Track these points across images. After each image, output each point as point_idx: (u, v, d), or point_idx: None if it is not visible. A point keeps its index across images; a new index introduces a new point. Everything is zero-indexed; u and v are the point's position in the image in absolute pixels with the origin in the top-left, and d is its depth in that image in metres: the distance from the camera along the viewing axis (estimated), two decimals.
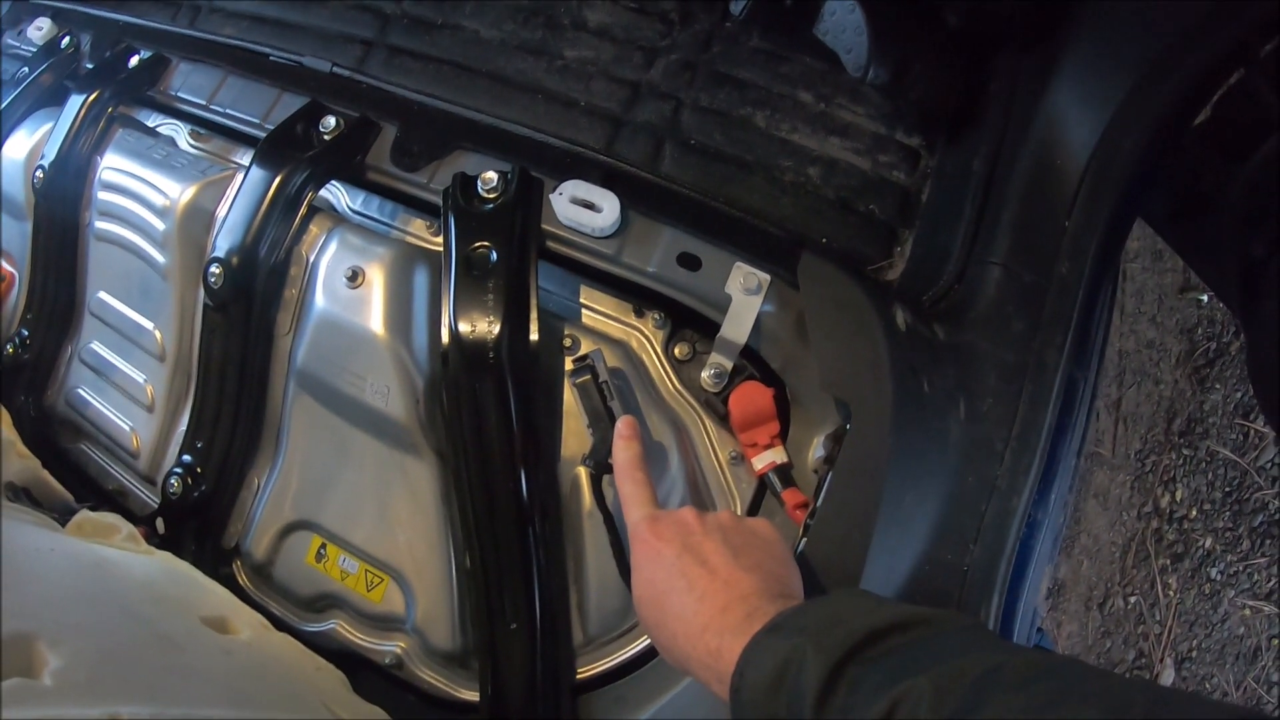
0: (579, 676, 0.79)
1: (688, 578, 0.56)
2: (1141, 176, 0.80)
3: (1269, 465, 1.54)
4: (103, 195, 1.00)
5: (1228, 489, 1.56)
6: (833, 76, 0.94)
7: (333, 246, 0.84)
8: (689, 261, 0.79)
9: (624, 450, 0.70)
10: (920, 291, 0.81)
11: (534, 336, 0.75)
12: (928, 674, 0.38)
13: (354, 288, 0.80)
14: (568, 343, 0.82)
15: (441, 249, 0.80)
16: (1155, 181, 0.87)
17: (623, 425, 0.72)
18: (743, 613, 0.51)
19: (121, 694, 0.50)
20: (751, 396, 0.76)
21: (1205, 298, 1.66)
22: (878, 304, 0.73)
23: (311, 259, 0.86)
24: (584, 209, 0.79)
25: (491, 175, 0.80)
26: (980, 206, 0.83)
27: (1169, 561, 1.57)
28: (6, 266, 1.11)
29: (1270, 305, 0.81)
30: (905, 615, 0.44)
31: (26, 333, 1.06)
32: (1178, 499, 1.60)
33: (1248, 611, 1.50)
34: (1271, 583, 1.49)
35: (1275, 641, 1.46)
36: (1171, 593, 1.56)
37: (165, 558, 0.78)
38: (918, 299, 0.80)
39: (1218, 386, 1.62)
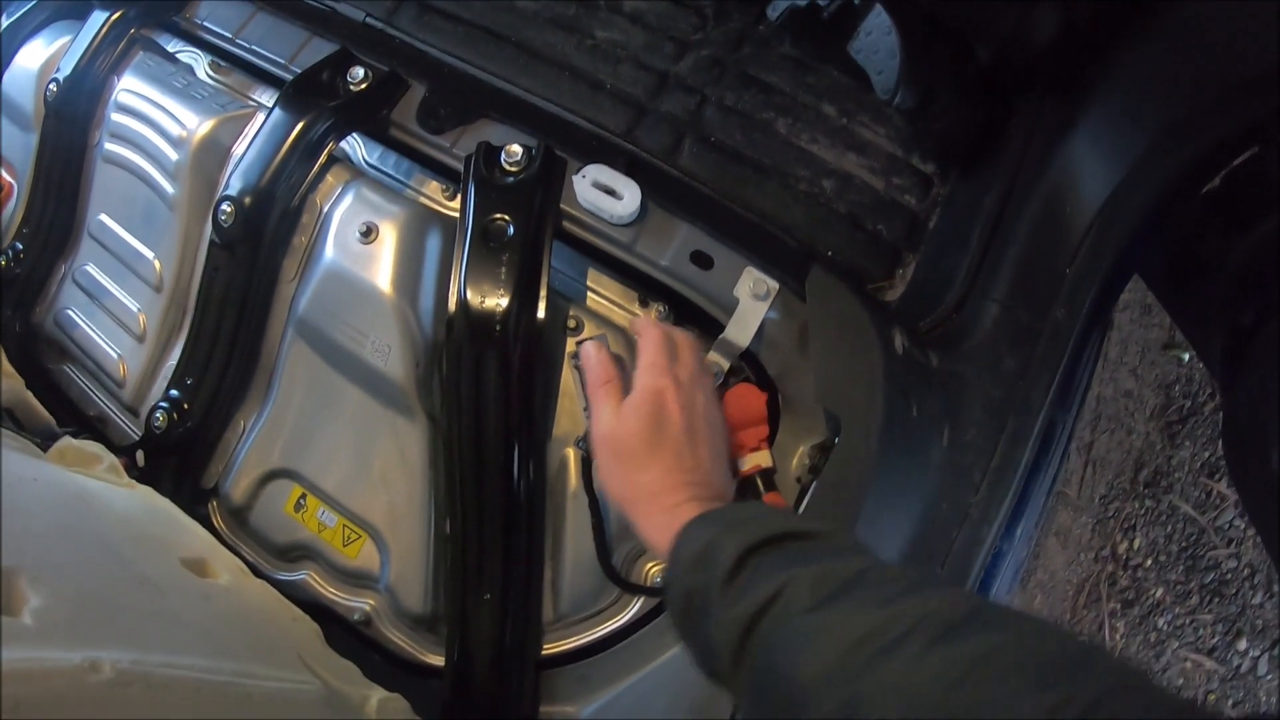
0: (545, 653, 0.80)
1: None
2: (1145, 234, 0.81)
3: (1226, 526, 1.59)
4: (116, 117, 0.99)
5: (1184, 544, 1.61)
6: (858, 94, 0.95)
7: (348, 199, 0.84)
8: (702, 260, 0.80)
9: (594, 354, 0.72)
10: (918, 316, 0.82)
11: (541, 314, 0.76)
12: (811, 567, 0.48)
13: (366, 243, 0.80)
14: (572, 324, 0.82)
15: (456, 215, 0.80)
16: (1157, 240, 0.88)
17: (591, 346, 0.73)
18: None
19: (102, 638, 0.49)
20: (746, 398, 0.77)
21: (1186, 356, 1.70)
22: (880, 325, 0.74)
23: (325, 209, 0.86)
24: (605, 194, 0.80)
25: (517, 149, 0.80)
26: (986, 242, 0.84)
27: (1119, 606, 1.61)
28: (6, 176, 1.09)
29: (1252, 376, 0.83)
30: (807, 527, 0.54)
31: (20, 246, 1.04)
32: (1135, 547, 1.64)
33: (1189, 664, 1.55)
34: (1215, 639, 1.54)
35: (1212, 696, 1.51)
36: (1118, 636, 1.60)
37: (146, 493, 0.78)
38: (915, 323, 0.81)
39: (1187, 443, 1.66)
